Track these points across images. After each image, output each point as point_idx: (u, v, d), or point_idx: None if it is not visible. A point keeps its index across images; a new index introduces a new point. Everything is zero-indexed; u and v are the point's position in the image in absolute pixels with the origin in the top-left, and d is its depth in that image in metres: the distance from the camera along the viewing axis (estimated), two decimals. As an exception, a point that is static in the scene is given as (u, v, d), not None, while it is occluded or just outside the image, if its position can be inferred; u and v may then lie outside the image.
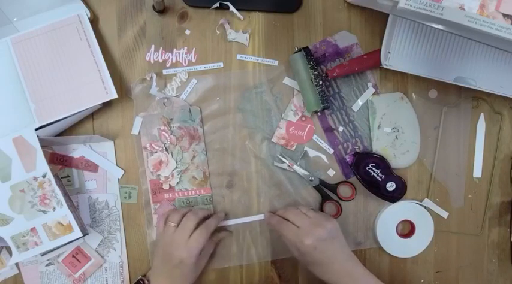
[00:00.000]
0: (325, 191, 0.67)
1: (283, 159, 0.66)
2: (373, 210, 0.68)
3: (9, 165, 0.57)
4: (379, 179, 0.65)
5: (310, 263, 0.58)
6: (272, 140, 0.66)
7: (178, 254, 0.57)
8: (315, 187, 0.67)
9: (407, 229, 0.70)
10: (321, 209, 0.67)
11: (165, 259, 0.58)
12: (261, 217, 0.66)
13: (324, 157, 0.67)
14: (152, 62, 0.65)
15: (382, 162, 0.65)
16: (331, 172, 0.67)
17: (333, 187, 0.67)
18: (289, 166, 0.66)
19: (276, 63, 0.66)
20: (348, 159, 0.66)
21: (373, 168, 0.64)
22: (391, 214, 0.68)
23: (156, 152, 0.65)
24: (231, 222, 0.66)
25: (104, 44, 0.63)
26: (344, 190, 0.68)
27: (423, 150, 0.68)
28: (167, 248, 0.58)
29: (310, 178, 0.66)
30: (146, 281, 0.59)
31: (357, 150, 0.67)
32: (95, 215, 0.65)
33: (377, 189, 0.65)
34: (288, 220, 0.59)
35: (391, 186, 0.65)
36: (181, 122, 0.65)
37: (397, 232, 0.68)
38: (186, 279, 0.59)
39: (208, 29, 0.65)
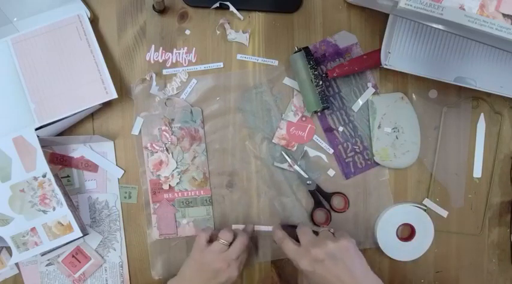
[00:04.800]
0: (320, 198, 0.67)
1: (286, 156, 0.66)
2: (373, 211, 0.68)
3: (9, 165, 0.57)
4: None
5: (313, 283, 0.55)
6: (273, 141, 0.66)
7: (229, 272, 0.57)
8: (310, 191, 0.67)
9: (407, 233, 0.70)
10: (311, 216, 0.67)
11: (207, 275, 0.58)
12: (269, 228, 0.66)
13: (323, 157, 0.67)
14: (152, 61, 0.65)
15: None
16: (331, 172, 0.67)
17: (328, 196, 0.67)
18: (289, 166, 0.66)
19: (276, 63, 0.66)
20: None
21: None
22: (391, 218, 0.68)
23: (157, 152, 0.65)
24: (238, 226, 0.66)
25: (104, 44, 0.63)
26: (338, 201, 0.68)
27: (423, 150, 0.68)
28: (214, 264, 0.57)
29: (308, 182, 0.66)
30: None
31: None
32: (95, 215, 0.65)
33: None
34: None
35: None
36: (183, 123, 0.65)
37: (397, 235, 0.68)
38: None
39: (208, 29, 0.65)
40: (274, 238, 0.61)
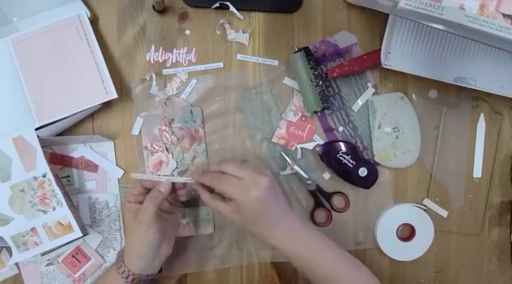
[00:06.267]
0: (320, 198, 0.67)
1: (286, 157, 0.65)
2: (373, 211, 0.68)
3: (9, 165, 0.57)
4: (351, 166, 0.64)
5: (254, 220, 0.53)
6: (272, 140, 0.66)
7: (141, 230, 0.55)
8: (310, 191, 0.67)
9: (407, 233, 0.70)
10: (312, 215, 0.67)
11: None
12: (188, 179, 0.58)
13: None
14: (152, 61, 0.65)
15: (351, 149, 0.65)
16: (326, 175, 0.67)
17: (328, 196, 0.67)
18: (291, 169, 0.66)
19: (276, 63, 0.66)
20: (317, 149, 0.65)
21: (343, 155, 0.64)
22: (392, 218, 0.68)
23: (157, 152, 0.65)
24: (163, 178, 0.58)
25: (104, 44, 0.63)
26: (338, 201, 0.68)
27: (423, 150, 0.68)
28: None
29: (308, 182, 0.66)
30: None
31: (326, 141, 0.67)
32: (95, 215, 0.65)
33: (350, 177, 0.65)
34: (225, 173, 0.54)
35: (363, 171, 0.65)
36: (183, 123, 0.65)
37: (397, 235, 0.68)
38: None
39: (208, 29, 0.65)
40: (202, 182, 0.56)
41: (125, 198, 0.58)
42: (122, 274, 0.55)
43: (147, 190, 0.58)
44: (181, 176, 0.64)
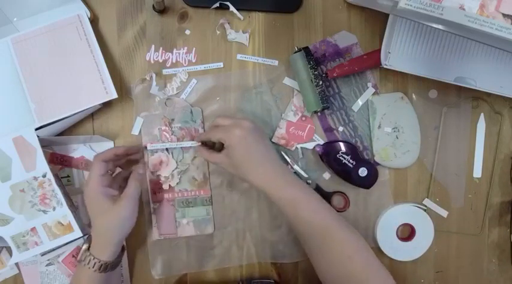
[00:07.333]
0: None
1: (286, 156, 0.66)
2: (373, 211, 0.68)
3: (9, 165, 0.57)
4: (351, 166, 0.65)
5: (242, 161, 0.56)
6: (272, 140, 0.66)
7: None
8: None
9: (407, 233, 0.70)
10: None
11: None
12: (194, 143, 0.64)
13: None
14: (152, 61, 0.65)
15: (351, 149, 0.65)
16: (326, 175, 0.67)
17: (328, 196, 0.67)
18: (291, 167, 0.66)
19: (276, 63, 0.66)
20: (317, 149, 0.65)
21: (343, 155, 0.64)
22: (392, 218, 0.68)
23: (157, 152, 0.65)
24: (165, 145, 0.64)
25: (104, 44, 0.63)
26: (338, 201, 0.68)
27: (423, 150, 0.68)
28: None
29: (308, 182, 0.66)
30: None
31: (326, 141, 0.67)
32: (95, 215, 0.65)
33: (350, 177, 0.65)
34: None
35: (363, 171, 0.65)
36: (183, 123, 0.65)
37: (397, 235, 0.68)
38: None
39: (208, 29, 0.65)
40: (200, 139, 0.63)
41: (96, 184, 0.56)
42: (92, 267, 0.54)
43: (111, 173, 0.60)
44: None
